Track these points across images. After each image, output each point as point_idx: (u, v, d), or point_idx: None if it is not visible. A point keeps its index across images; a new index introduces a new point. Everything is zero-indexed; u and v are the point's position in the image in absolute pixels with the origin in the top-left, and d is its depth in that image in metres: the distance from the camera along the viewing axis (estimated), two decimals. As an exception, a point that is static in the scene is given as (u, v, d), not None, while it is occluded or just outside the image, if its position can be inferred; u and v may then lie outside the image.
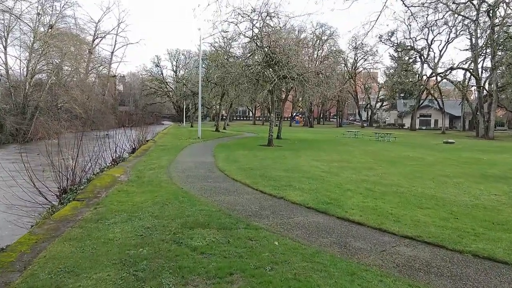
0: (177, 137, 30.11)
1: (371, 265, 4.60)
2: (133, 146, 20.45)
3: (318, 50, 63.21)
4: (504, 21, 40.75)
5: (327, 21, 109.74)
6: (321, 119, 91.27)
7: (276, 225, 6.19)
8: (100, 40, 66.06)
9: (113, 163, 14.35)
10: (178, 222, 6.07)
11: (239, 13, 20.94)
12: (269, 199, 8.21)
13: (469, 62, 47.03)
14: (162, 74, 79.76)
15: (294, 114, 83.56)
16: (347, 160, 16.12)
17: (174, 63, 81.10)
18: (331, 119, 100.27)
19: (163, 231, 5.60)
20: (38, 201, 9.04)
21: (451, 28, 50.46)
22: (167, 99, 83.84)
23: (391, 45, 61.17)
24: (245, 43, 24.51)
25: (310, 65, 31.05)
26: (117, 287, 3.84)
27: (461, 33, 50.03)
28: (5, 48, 37.32)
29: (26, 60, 37.84)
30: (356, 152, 20.22)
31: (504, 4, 40.71)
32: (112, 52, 69.49)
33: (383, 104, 78.21)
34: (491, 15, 40.14)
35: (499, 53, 41.50)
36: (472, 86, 53.95)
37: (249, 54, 24.41)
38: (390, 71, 66.82)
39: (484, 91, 44.56)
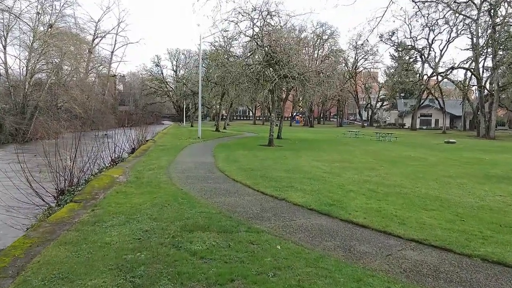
0: (177, 137, 29.95)
1: (377, 270, 4.43)
2: (133, 146, 20.27)
3: (319, 50, 63.07)
4: (506, 20, 40.59)
5: (330, 18, 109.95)
6: (322, 119, 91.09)
7: (278, 227, 6.02)
8: (100, 40, 65.98)
9: (112, 163, 14.18)
10: (177, 225, 5.90)
11: (239, 12, 20.82)
12: (270, 200, 8.05)
13: (470, 61, 46.84)
14: (162, 73, 79.74)
15: (295, 113, 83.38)
16: (348, 160, 15.95)
17: (174, 62, 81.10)
18: (331, 119, 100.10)
19: (161, 235, 5.43)
20: (35, 202, 8.89)
21: (452, 27, 50.29)
22: (167, 99, 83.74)
23: (391, 44, 60.99)
24: (246, 42, 24.35)
25: (310, 65, 30.90)
26: (113, 295, 3.67)
27: (462, 32, 49.86)
28: (4, 47, 37.17)
29: (25, 60, 37.71)
30: (357, 152, 20.06)
31: (506, 3, 40.73)
32: (112, 52, 69.42)
33: (384, 104, 78.03)
34: (492, 14, 40.01)
35: (500, 53, 41.33)
36: (473, 85, 53.80)
37: (250, 53, 24.23)
38: (391, 70, 66.68)
39: (485, 90, 44.38)
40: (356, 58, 69.79)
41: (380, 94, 76.69)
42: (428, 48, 56.75)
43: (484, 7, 41.01)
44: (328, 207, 7.28)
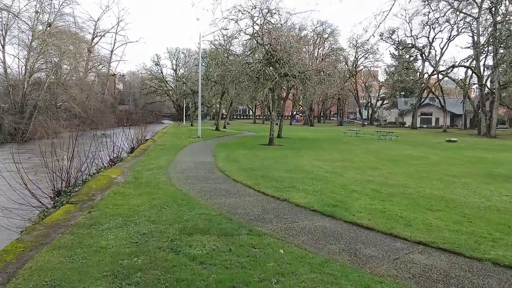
0: (176, 136, 29.74)
1: (385, 276, 4.23)
2: (132, 146, 20.08)
3: (319, 48, 62.81)
4: (507, 18, 40.36)
5: (331, 17, 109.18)
6: (322, 118, 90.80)
7: (281, 230, 5.82)
8: (100, 39, 65.78)
9: (110, 163, 13.98)
10: (176, 228, 5.70)
11: (239, 10, 20.58)
12: (272, 201, 7.85)
13: (471, 59, 46.56)
14: (162, 72, 79.42)
15: (295, 112, 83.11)
16: (350, 159, 15.76)
17: (174, 61, 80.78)
18: (331, 118, 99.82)
19: (160, 238, 5.24)
20: (32, 203, 8.70)
21: (452, 25, 50.01)
22: (167, 98, 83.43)
23: (392, 43, 60.73)
24: (246, 40, 24.13)
25: (311, 63, 30.68)
26: (108, 303, 3.48)
27: (463, 30, 49.55)
28: (3, 46, 36.94)
29: (24, 59, 37.50)
30: (359, 151, 19.87)
31: (507, 1, 40.57)
32: (112, 51, 69.18)
33: (384, 103, 77.76)
34: (493, 12, 39.78)
35: (501, 51, 41.10)
36: (473, 84, 53.52)
37: (250, 52, 24.01)
38: (391, 69, 66.41)
39: (486, 89, 44.15)
40: (356, 56, 69.55)
41: (380, 93, 76.40)
42: (428, 47, 56.51)
43: (485, 5, 40.82)
44: (332, 208, 7.08)
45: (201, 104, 38.24)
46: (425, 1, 44.45)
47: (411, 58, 62.43)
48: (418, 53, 60.53)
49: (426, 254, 4.95)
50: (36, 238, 5.29)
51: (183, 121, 64.93)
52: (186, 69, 75.99)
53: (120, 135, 18.12)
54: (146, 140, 24.55)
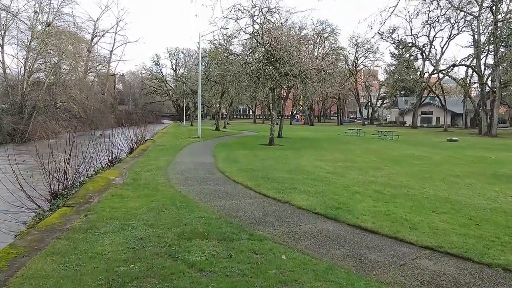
0: (176, 137, 29.57)
1: (392, 283, 4.06)
2: (131, 146, 19.89)
3: (319, 48, 62.58)
4: (507, 17, 40.17)
5: (331, 16, 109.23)
6: (322, 117, 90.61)
7: (282, 234, 5.65)
8: (99, 39, 65.59)
9: (109, 164, 13.80)
10: (174, 232, 5.52)
11: (239, 9, 20.40)
12: (273, 203, 7.67)
13: (471, 58, 46.36)
14: (161, 72, 79.26)
15: (295, 112, 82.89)
16: (351, 159, 15.58)
17: (174, 61, 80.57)
18: (331, 117, 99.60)
19: (157, 243, 5.06)
20: (29, 206, 8.53)
21: (453, 24, 49.79)
22: (166, 98, 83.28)
23: (392, 42, 60.47)
24: (246, 39, 23.94)
25: (311, 62, 30.50)
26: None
27: (463, 29, 49.35)
28: (2, 46, 36.79)
29: (23, 59, 37.35)
30: (360, 151, 19.69)
31: (508, -1, 40.39)
32: (111, 51, 68.98)
33: (384, 102, 77.55)
34: (493, 11, 39.57)
35: (502, 50, 40.90)
36: (474, 83, 53.30)
37: (250, 51, 23.83)
38: (391, 68, 66.18)
39: (487, 88, 43.93)
40: (357, 56, 69.36)
41: (380, 92, 76.19)
42: (429, 46, 56.32)
43: (486, 3, 40.61)
44: (334, 211, 6.90)
45: (201, 104, 38.05)
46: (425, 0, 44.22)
47: (412, 57, 62.22)
48: (418, 52, 60.35)
49: (434, 260, 4.77)
50: (29, 243, 5.11)
51: (183, 121, 64.76)
52: (186, 68, 75.75)
53: (119, 136, 17.96)
54: (146, 140, 24.37)
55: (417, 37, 56.29)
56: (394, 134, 32.13)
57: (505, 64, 41.02)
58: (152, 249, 4.84)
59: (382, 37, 58.49)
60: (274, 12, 21.33)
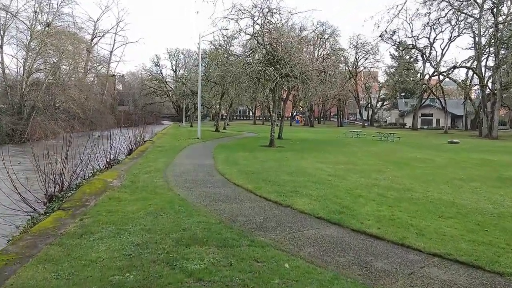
0: (176, 138, 29.35)
1: (401, 294, 3.86)
2: (130, 147, 19.67)
3: (320, 49, 62.46)
4: (508, 19, 40.06)
5: (332, 16, 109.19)
6: (322, 119, 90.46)
7: (285, 240, 5.44)
8: (99, 39, 65.42)
9: (107, 166, 13.59)
10: (172, 238, 5.32)
11: (239, 9, 20.22)
12: (275, 207, 7.46)
13: (472, 60, 46.20)
14: (161, 73, 79.03)
15: (295, 113, 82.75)
16: (352, 162, 15.38)
17: (174, 62, 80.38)
18: (331, 119, 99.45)
19: (155, 250, 4.85)
20: (24, 209, 8.32)
21: (453, 26, 49.64)
22: (166, 99, 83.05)
23: (392, 44, 60.27)
24: (246, 40, 23.77)
25: (312, 63, 30.30)
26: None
27: (464, 31, 49.22)
28: (1, 46, 36.63)
29: (22, 59, 37.17)
30: (361, 153, 19.48)
31: (508, 1, 40.30)
32: (111, 51, 68.75)
33: (384, 104, 77.42)
34: (494, 13, 39.45)
35: (503, 52, 40.75)
36: (475, 85, 53.13)
37: (250, 52, 23.65)
38: (391, 70, 66.06)
39: (487, 90, 43.78)
40: (357, 57, 69.25)
41: (380, 94, 76.07)
42: (429, 47, 56.11)
43: (486, 5, 40.50)
44: (338, 215, 6.70)
45: (201, 105, 37.86)
46: (425, 1, 44.09)
47: (412, 59, 62.05)
48: (418, 54, 60.16)
49: (443, 268, 4.57)
50: (21, 250, 4.91)
51: (182, 122, 64.53)
52: (186, 69, 75.56)
53: (118, 136, 17.75)
54: (145, 141, 24.16)
55: (418, 39, 56.13)
56: (395, 136, 31.96)
57: (505, 66, 40.84)
58: (149, 256, 4.64)
59: (382, 39, 58.32)
60: (275, 13, 21.19)
